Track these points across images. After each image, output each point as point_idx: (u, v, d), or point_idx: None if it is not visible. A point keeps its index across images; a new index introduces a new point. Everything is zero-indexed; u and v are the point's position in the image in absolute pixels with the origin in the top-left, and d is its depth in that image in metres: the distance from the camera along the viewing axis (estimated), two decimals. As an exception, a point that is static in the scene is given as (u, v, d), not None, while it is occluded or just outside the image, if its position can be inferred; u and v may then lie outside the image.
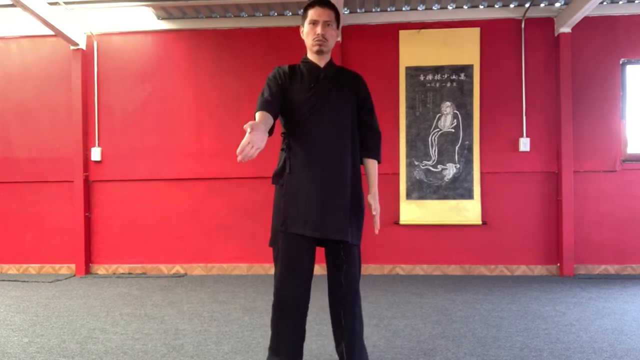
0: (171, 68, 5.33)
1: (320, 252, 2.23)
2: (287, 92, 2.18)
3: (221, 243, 5.25)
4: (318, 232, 2.10)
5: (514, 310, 3.54)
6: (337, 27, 2.24)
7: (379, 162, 2.32)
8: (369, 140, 2.28)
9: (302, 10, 2.27)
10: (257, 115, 2.05)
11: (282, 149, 2.23)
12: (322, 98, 2.17)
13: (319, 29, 2.16)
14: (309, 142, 2.15)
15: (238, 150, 1.77)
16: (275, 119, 2.10)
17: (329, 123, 2.15)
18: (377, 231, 2.23)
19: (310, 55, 2.26)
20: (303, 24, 2.24)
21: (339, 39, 4.95)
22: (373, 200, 2.24)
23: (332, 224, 2.10)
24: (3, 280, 4.97)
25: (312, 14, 2.18)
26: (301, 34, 2.27)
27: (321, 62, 2.24)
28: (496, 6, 5.06)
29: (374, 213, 2.22)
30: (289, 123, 2.20)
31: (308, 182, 2.12)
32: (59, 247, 5.38)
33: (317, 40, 2.17)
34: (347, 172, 2.16)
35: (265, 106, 2.08)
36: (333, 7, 2.20)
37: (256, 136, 1.83)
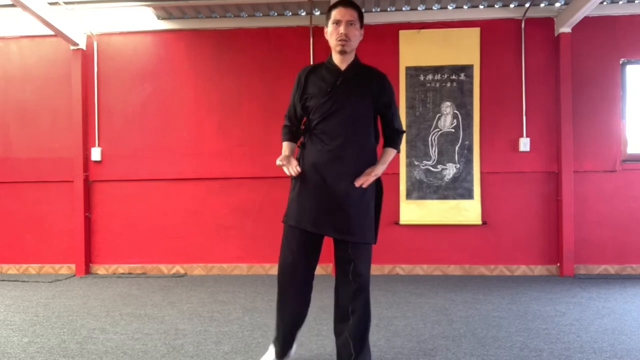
0: (171, 68, 5.33)
1: (325, 252, 2.29)
2: (306, 95, 2.28)
3: (221, 243, 5.25)
4: (319, 229, 2.20)
5: (514, 310, 3.54)
6: (361, 26, 2.27)
7: (397, 152, 2.42)
8: (390, 137, 2.39)
9: (325, 11, 2.35)
10: (284, 145, 2.36)
11: (299, 146, 2.34)
12: (337, 103, 2.21)
13: (341, 29, 2.19)
14: (320, 146, 2.23)
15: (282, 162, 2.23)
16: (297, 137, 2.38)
17: (341, 128, 2.20)
18: (357, 184, 2.21)
19: (334, 56, 2.29)
20: (327, 25, 2.27)
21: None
22: (371, 169, 2.25)
23: (335, 224, 2.18)
24: (3, 280, 4.97)
25: (335, 14, 2.21)
26: (325, 35, 2.31)
27: (344, 63, 2.27)
28: (496, 6, 5.06)
29: (368, 171, 2.24)
30: (307, 123, 2.31)
31: (314, 182, 2.22)
32: (59, 247, 5.38)
33: (339, 40, 2.20)
34: (357, 173, 2.22)
35: (290, 137, 2.37)
36: (356, 7, 2.23)
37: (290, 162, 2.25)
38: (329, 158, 2.20)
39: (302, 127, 2.34)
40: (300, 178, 2.25)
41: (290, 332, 2.37)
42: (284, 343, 2.38)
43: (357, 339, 2.21)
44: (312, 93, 2.25)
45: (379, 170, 2.25)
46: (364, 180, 2.20)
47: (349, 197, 2.19)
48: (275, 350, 2.40)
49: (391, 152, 2.36)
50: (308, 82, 2.28)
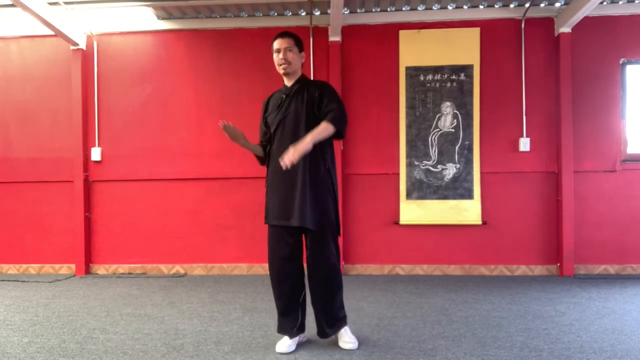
0: (171, 68, 5.33)
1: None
2: (266, 114, 2.77)
3: (221, 243, 5.25)
4: (283, 221, 2.62)
5: (514, 310, 3.54)
6: (300, 50, 2.71)
7: (333, 125, 2.52)
8: (327, 115, 2.56)
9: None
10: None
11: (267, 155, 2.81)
12: (282, 114, 2.67)
13: (281, 54, 2.64)
14: (276, 152, 2.64)
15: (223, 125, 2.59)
16: (265, 151, 2.80)
17: (288, 133, 2.63)
18: (281, 162, 2.39)
19: (284, 79, 2.74)
20: (274, 56, 2.69)
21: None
22: (292, 146, 2.42)
23: (294, 215, 2.57)
24: (3, 280, 4.97)
25: (275, 44, 2.68)
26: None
27: (290, 82, 2.72)
28: (496, 6, 5.06)
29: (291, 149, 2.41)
30: (269, 134, 2.76)
31: (276, 183, 2.67)
32: (59, 247, 5.38)
33: (280, 64, 2.65)
34: (306, 171, 2.57)
35: (259, 145, 2.84)
36: (292, 35, 2.69)
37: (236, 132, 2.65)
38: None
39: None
40: (269, 180, 2.71)
41: (283, 314, 2.70)
42: (288, 327, 2.69)
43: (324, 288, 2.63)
44: (269, 111, 2.76)
45: (302, 143, 2.40)
46: (285, 159, 2.37)
47: (305, 189, 2.55)
48: (286, 334, 2.70)
49: (322, 125, 2.51)
50: (268, 105, 2.80)
